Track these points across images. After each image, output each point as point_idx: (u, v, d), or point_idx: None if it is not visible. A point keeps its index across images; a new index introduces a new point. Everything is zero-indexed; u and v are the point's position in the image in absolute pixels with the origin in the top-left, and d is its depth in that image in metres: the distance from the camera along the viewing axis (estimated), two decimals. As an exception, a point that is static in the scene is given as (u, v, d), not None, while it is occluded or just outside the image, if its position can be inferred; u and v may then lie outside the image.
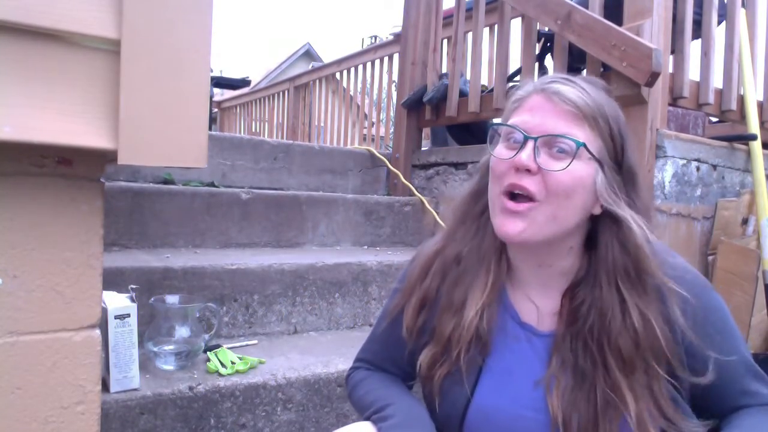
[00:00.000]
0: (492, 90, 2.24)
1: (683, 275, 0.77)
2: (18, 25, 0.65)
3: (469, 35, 2.44)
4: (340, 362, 1.42)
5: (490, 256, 0.83)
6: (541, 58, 2.33)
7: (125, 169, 2.06)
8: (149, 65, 0.72)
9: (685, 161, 1.75)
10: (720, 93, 1.96)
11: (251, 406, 1.26)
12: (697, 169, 1.81)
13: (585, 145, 0.74)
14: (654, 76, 1.53)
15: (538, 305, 0.82)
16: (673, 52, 1.81)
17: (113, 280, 1.36)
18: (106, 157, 0.80)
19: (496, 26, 2.37)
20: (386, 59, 3.84)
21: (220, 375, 1.28)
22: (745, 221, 1.91)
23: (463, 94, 2.38)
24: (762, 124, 2.05)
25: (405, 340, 0.88)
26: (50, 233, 0.79)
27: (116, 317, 1.13)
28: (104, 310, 1.11)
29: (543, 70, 2.35)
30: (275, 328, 1.65)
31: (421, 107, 2.61)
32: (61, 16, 0.67)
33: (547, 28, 2.02)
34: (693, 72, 1.85)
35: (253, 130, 6.10)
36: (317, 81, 4.80)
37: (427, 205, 2.43)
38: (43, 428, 0.80)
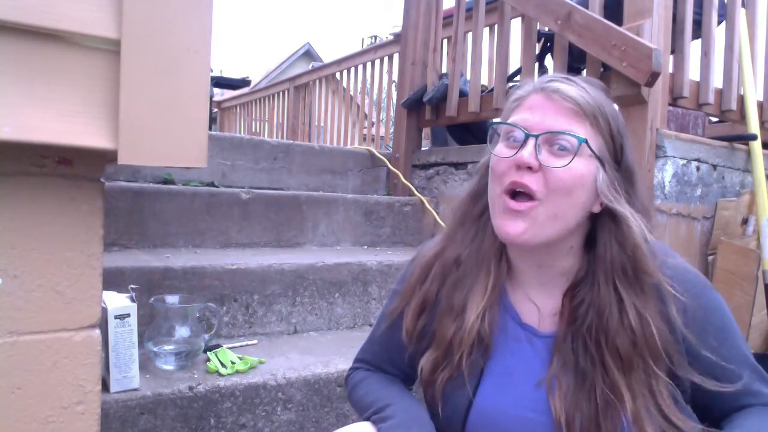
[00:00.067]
0: (492, 90, 2.24)
1: (683, 275, 0.78)
2: (18, 25, 0.66)
3: (469, 35, 2.44)
4: (340, 362, 1.42)
5: (490, 258, 0.83)
6: (541, 58, 2.33)
7: (125, 169, 2.06)
8: (149, 65, 0.72)
9: (685, 161, 1.76)
10: (720, 93, 1.96)
11: (251, 406, 1.26)
12: (697, 169, 1.81)
13: (587, 141, 0.74)
14: (654, 76, 1.53)
15: (539, 306, 0.82)
16: (673, 52, 1.81)
17: (113, 280, 1.36)
18: (106, 157, 0.80)
19: (496, 26, 2.37)
20: (386, 59, 3.85)
21: (220, 375, 1.28)
22: (745, 221, 1.91)
23: (463, 94, 2.38)
24: (762, 124, 2.05)
25: (405, 343, 0.88)
26: (50, 233, 0.79)
27: (116, 317, 1.13)
28: (104, 310, 1.11)
29: (543, 70, 2.35)
30: (275, 328, 1.65)
31: (421, 107, 2.61)
32: (62, 16, 0.67)
33: (547, 28, 2.02)
34: (693, 72, 1.85)
35: (253, 130, 6.10)
36: (317, 81, 4.80)
37: (427, 205, 2.43)
38: (43, 428, 0.80)
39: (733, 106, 1.96)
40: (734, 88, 1.97)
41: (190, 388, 1.20)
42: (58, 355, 0.81)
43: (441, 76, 2.55)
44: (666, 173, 1.70)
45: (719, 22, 1.96)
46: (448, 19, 2.66)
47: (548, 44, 2.27)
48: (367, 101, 4.78)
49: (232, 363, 1.33)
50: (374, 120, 4.60)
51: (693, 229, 1.81)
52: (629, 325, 0.73)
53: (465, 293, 0.83)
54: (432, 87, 2.52)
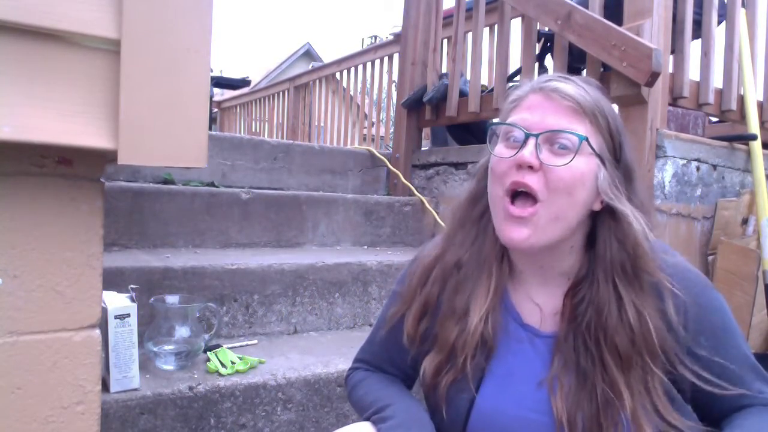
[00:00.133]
0: (492, 90, 2.24)
1: (683, 274, 0.77)
2: (18, 25, 0.66)
3: (469, 35, 2.44)
4: (340, 362, 1.42)
5: (491, 260, 0.83)
6: (541, 58, 2.33)
7: (125, 169, 2.06)
8: (149, 65, 0.72)
9: (685, 161, 1.76)
10: (720, 93, 1.96)
11: (251, 406, 1.26)
12: (697, 169, 1.81)
13: (587, 139, 0.74)
14: (654, 76, 1.53)
15: (540, 305, 0.82)
16: (673, 52, 1.81)
17: (113, 280, 1.36)
18: (106, 157, 0.80)
19: (496, 26, 2.37)
20: (386, 59, 3.85)
21: (220, 375, 1.28)
22: (745, 221, 1.91)
23: (463, 94, 2.38)
24: (762, 124, 2.05)
25: (405, 345, 0.88)
26: (50, 233, 0.79)
27: (116, 317, 1.13)
28: (104, 310, 1.11)
29: (543, 70, 2.35)
30: (275, 328, 1.65)
31: (421, 107, 2.61)
32: (62, 16, 0.67)
33: (547, 28, 2.02)
34: (693, 72, 1.85)
35: (253, 130, 6.10)
36: (317, 81, 4.80)
37: (427, 205, 2.43)
38: (43, 428, 0.80)
39: (733, 106, 1.96)
40: (734, 88, 1.97)
41: (190, 388, 1.20)
42: (58, 355, 0.81)
43: (441, 76, 2.55)
44: (666, 173, 1.70)
45: (719, 22, 1.96)
46: (448, 19, 2.66)
47: (548, 44, 2.27)
48: (367, 101, 4.78)
49: (232, 363, 1.33)
50: (374, 120, 4.60)
51: (693, 229, 1.82)
52: (628, 322, 0.73)
53: (467, 296, 0.82)
54: (432, 87, 2.52)
